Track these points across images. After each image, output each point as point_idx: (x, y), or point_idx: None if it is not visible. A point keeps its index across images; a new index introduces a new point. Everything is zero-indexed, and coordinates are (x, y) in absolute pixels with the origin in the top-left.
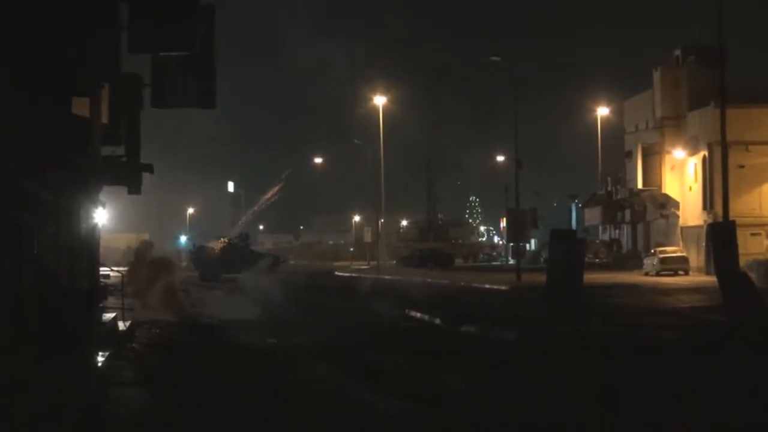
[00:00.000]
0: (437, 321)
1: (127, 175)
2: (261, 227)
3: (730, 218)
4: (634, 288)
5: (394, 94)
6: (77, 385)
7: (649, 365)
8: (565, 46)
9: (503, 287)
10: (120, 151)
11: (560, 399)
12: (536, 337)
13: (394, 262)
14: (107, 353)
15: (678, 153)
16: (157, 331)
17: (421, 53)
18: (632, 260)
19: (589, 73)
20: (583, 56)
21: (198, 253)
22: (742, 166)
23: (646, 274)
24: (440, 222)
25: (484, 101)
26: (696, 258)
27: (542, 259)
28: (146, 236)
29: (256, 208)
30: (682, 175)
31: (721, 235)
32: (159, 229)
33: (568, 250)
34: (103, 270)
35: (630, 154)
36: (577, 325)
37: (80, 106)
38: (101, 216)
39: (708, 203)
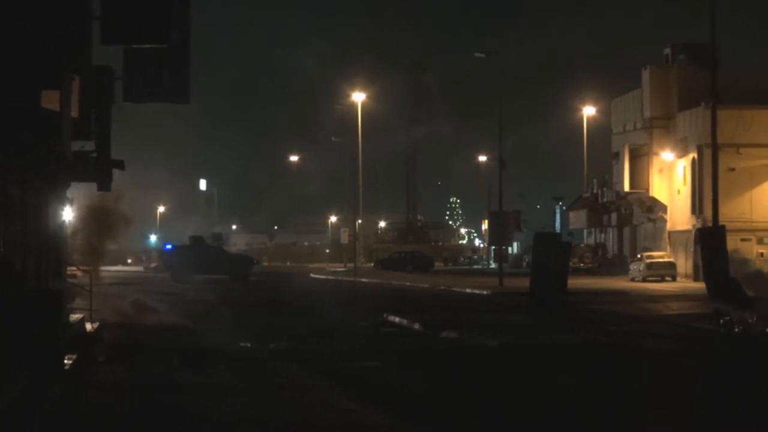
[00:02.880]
0: (417, 326)
1: (97, 170)
2: (234, 227)
3: (720, 223)
4: (621, 294)
5: (374, 91)
6: (43, 389)
7: (637, 375)
8: (554, 45)
9: (485, 292)
10: (90, 146)
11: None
12: (519, 344)
13: (372, 264)
14: (74, 356)
15: (666, 155)
16: (126, 333)
17: (404, 50)
18: (618, 265)
19: (578, 72)
20: (572, 55)
21: (170, 253)
22: (733, 169)
23: (633, 279)
24: (420, 223)
25: (469, 100)
26: (684, 264)
27: (525, 263)
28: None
29: None
30: (670, 178)
31: (710, 240)
32: (128, 228)
33: (552, 254)
34: (71, 269)
35: (617, 156)
36: (562, 334)
37: (49, 99)
38: (68, 214)
39: (697, 207)
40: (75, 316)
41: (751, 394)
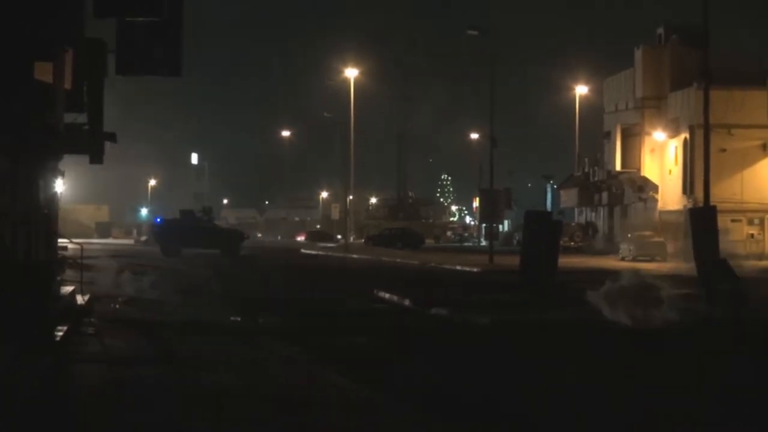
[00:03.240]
0: (407, 303)
1: (90, 143)
2: (225, 201)
3: (711, 203)
4: (611, 274)
5: (366, 67)
6: (31, 361)
7: (626, 354)
8: (548, 23)
9: (475, 269)
10: (82, 118)
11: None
12: (509, 322)
13: (363, 240)
14: (65, 328)
15: (658, 134)
16: (117, 306)
17: (396, 26)
18: (608, 242)
19: (571, 51)
20: (565, 33)
21: (160, 227)
22: (724, 150)
23: (623, 259)
24: (411, 200)
25: (461, 77)
26: (674, 244)
27: (516, 241)
28: (105, 208)
29: None
30: (662, 158)
31: (701, 220)
32: (119, 201)
33: (543, 233)
34: (62, 241)
35: (609, 135)
36: (552, 312)
37: (43, 72)
38: (60, 186)
39: (688, 187)
40: (66, 289)
41: (739, 378)
